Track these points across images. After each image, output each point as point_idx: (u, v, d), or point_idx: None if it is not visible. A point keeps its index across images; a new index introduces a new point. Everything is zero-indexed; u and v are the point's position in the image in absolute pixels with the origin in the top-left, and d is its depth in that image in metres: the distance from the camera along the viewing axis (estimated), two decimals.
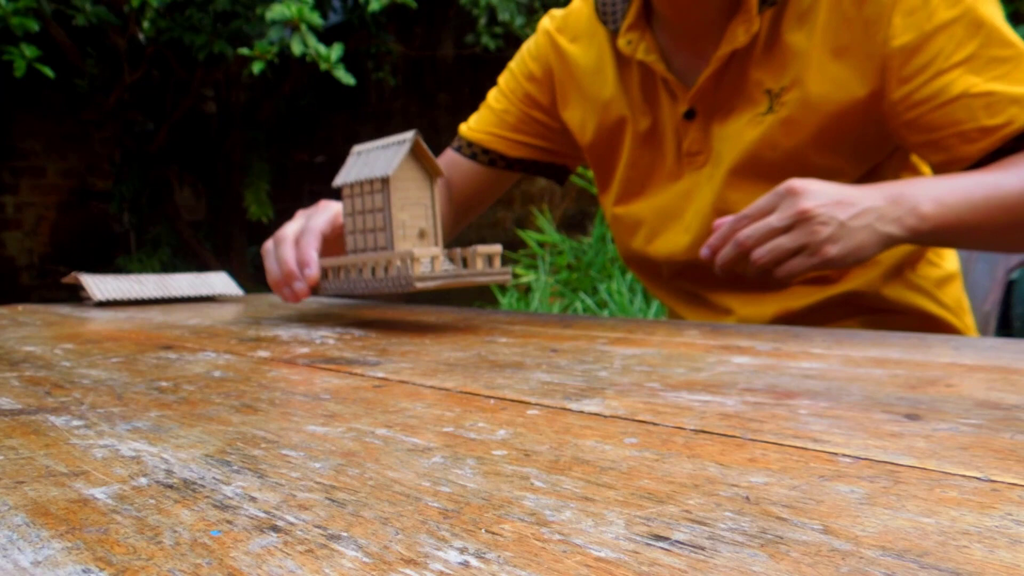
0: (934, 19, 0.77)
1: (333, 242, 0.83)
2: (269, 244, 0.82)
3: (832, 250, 0.69)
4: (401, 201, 0.71)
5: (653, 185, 0.95)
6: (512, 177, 1.08)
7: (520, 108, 1.04)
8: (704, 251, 0.75)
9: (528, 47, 1.04)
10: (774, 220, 0.70)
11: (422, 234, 0.72)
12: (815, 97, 0.82)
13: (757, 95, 0.85)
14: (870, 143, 0.85)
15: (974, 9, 0.77)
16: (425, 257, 0.68)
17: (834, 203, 0.70)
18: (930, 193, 0.73)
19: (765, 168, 0.85)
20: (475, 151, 1.06)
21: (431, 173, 0.73)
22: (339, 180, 0.76)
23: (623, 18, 0.91)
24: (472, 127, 1.07)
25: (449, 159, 1.07)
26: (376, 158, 0.74)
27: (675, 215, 0.94)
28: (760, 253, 0.70)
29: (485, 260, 0.71)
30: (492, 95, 1.07)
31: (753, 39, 0.83)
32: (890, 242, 0.72)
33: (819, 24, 0.81)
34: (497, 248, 0.72)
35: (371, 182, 0.72)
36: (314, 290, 0.77)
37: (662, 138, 0.93)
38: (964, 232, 0.75)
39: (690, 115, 0.88)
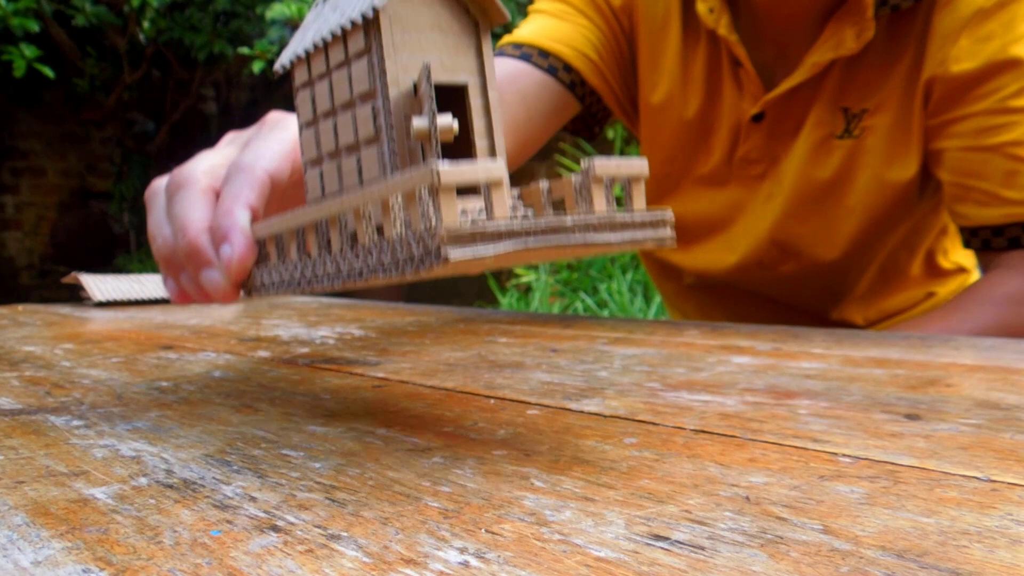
0: (1009, 51, 0.65)
1: (293, 195, 0.43)
2: (159, 186, 0.42)
3: None
4: (409, 63, 0.32)
5: (689, 186, 0.82)
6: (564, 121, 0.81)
7: (603, 27, 0.79)
8: None
9: None
10: None
11: (461, 135, 0.33)
12: (898, 126, 0.71)
13: (832, 112, 0.72)
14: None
15: None
16: (472, 182, 0.27)
17: None
18: None
19: (835, 199, 0.74)
20: (553, 64, 0.77)
21: (477, 14, 0.34)
22: (284, 57, 0.37)
23: None
24: (545, 35, 0.77)
25: (510, 69, 0.76)
26: None
27: (718, 227, 0.81)
28: None
29: (620, 199, 0.31)
30: (552, 6, 0.80)
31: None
32: None
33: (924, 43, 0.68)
34: (640, 167, 0.31)
35: (344, 36, 0.33)
36: (244, 287, 0.38)
37: (712, 133, 0.78)
38: None
39: (758, 118, 0.75)
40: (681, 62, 0.78)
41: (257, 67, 2.74)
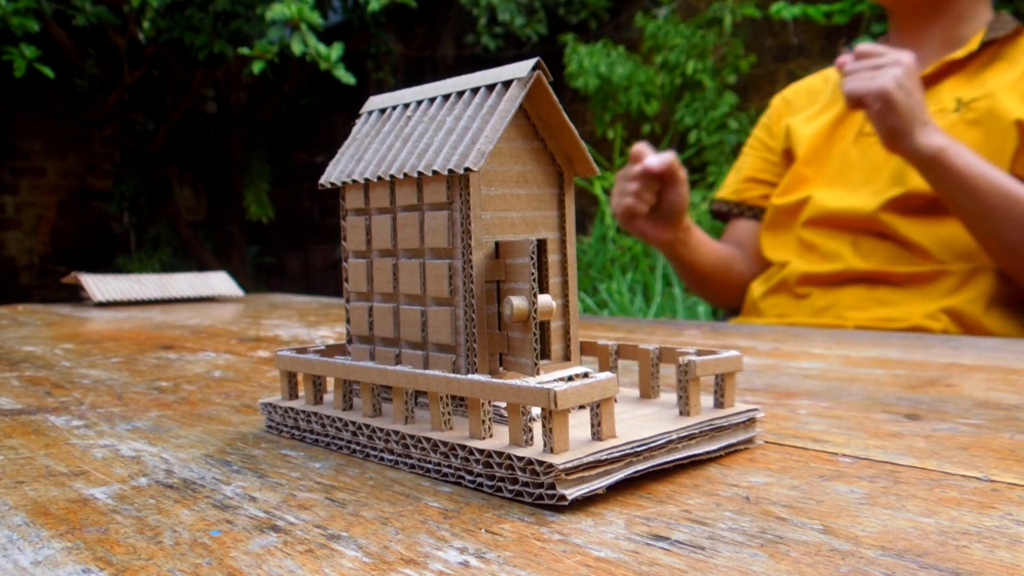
0: None
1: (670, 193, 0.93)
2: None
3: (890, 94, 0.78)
4: (492, 222, 0.30)
5: (831, 156, 1.01)
6: None
7: (771, 157, 1.11)
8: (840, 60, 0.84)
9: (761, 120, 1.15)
10: (875, 74, 0.80)
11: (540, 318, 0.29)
12: (1002, 108, 0.87)
13: (945, 99, 0.91)
14: None
15: None
16: (587, 400, 0.26)
17: (909, 106, 0.79)
18: (959, 150, 0.81)
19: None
20: (757, 213, 1.11)
21: (562, 163, 0.33)
22: (335, 172, 0.35)
23: None
24: (747, 189, 1.12)
25: (749, 231, 1.13)
26: (428, 126, 0.32)
27: (854, 182, 0.98)
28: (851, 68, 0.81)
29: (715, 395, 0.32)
30: (753, 142, 1.14)
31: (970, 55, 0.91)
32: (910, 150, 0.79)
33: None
34: (735, 363, 0.32)
35: (420, 179, 0.31)
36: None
37: (845, 122, 0.98)
38: (960, 196, 0.81)
39: None
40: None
41: (257, 67, 2.74)
